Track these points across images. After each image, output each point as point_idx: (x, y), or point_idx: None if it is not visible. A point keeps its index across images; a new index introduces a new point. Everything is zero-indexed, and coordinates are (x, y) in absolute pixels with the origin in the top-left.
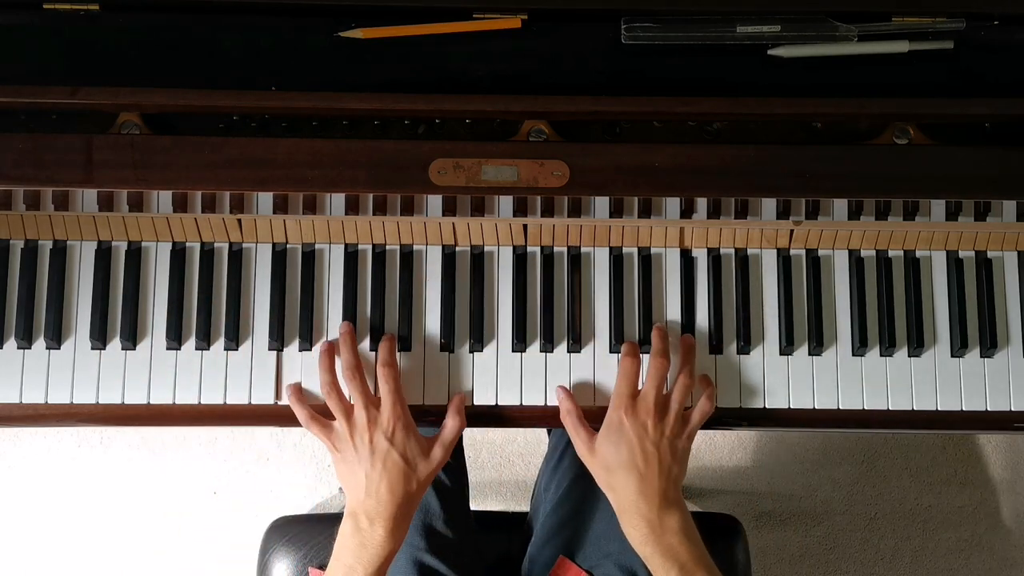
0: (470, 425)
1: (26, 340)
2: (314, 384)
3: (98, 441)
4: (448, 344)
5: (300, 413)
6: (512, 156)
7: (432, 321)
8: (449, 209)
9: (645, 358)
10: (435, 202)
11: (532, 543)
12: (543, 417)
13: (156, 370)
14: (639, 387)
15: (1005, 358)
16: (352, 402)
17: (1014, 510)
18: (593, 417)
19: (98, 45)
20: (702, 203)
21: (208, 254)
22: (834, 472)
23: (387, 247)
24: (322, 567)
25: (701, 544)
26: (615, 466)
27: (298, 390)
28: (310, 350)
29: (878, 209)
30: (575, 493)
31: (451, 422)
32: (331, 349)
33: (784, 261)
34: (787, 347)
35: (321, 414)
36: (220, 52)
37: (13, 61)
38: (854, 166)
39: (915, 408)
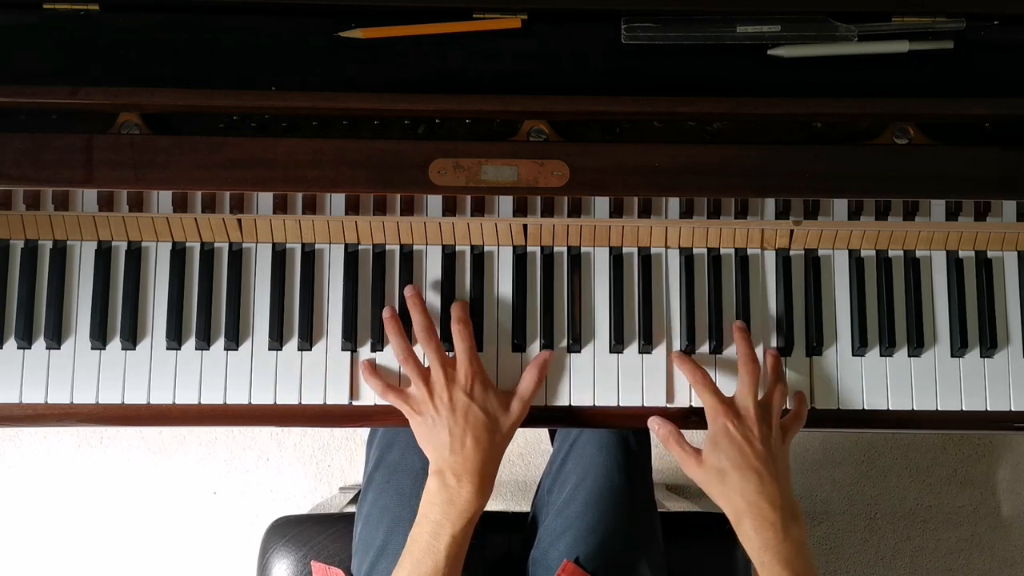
0: None
1: (26, 340)
2: (314, 383)
3: (98, 441)
4: (448, 344)
5: (376, 385)
6: (512, 156)
7: (432, 321)
8: (449, 209)
9: (650, 358)
10: (435, 202)
11: (536, 545)
12: (544, 418)
13: (156, 370)
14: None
15: (1005, 358)
16: (428, 366)
17: (1014, 510)
18: (593, 417)
19: (98, 45)
20: (702, 203)
21: (208, 254)
22: (834, 472)
23: (387, 247)
24: (326, 560)
25: (816, 568)
26: (729, 470)
27: (371, 364)
28: (310, 350)
29: (878, 209)
30: (580, 496)
31: (528, 376)
32: (395, 315)
33: (784, 261)
34: (787, 348)
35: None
36: (220, 52)
37: (13, 61)
38: (854, 166)
39: (915, 408)
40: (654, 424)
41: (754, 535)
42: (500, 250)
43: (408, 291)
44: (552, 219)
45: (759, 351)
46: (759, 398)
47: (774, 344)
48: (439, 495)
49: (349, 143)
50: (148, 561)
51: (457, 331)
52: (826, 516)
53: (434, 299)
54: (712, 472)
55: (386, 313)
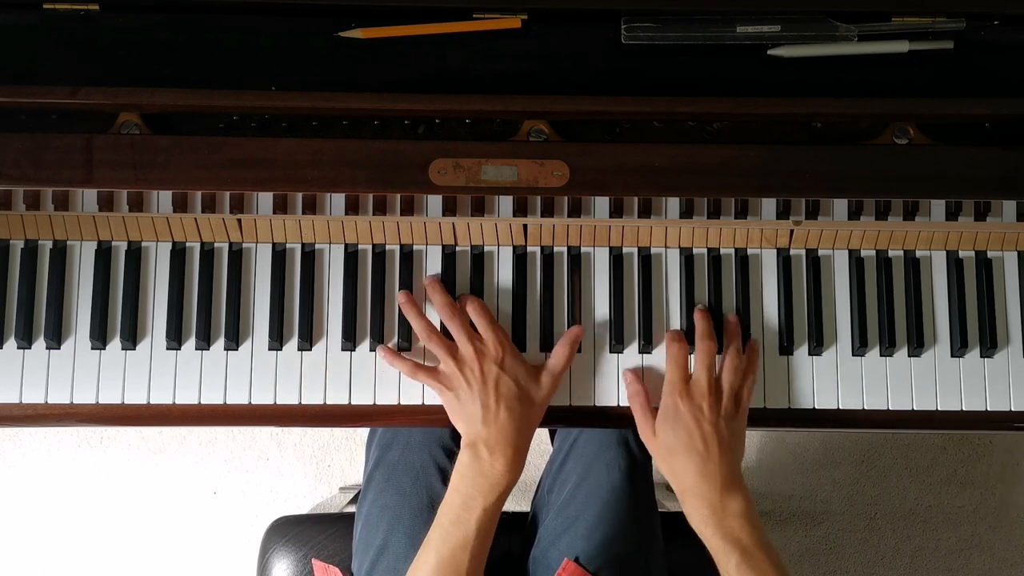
0: None
1: (26, 340)
2: (314, 383)
3: (98, 441)
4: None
5: (403, 367)
6: (512, 156)
7: (432, 321)
8: (449, 209)
9: (650, 358)
10: (435, 202)
11: (536, 545)
12: (544, 417)
13: (156, 370)
14: (689, 371)
15: (1005, 358)
16: (455, 340)
17: (1014, 510)
18: (593, 416)
19: (98, 45)
20: (702, 203)
21: (208, 254)
22: (834, 472)
23: (387, 247)
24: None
25: (763, 529)
26: (676, 449)
27: (391, 349)
28: (310, 350)
29: (878, 209)
30: (580, 495)
31: (560, 350)
32: (412, 298)
33: (784, 261)
34: (787, 347)
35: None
36: (220, 52)
37: (13, 61)
38: (854, 166)
39: (915, 408)
40: (627, 377)
41: (694, 513)
42: (500, 250)
43: (427, 280)
44: (552, 219)
45: (760, 350)
46: (714, 374)
47: (774, 344)
48: (471, 468)
49: (349, 143)
50: (148, 561)
51: (474, 310)
52: (826, 516)
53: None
54: (661, 447)
55: (401, 298)
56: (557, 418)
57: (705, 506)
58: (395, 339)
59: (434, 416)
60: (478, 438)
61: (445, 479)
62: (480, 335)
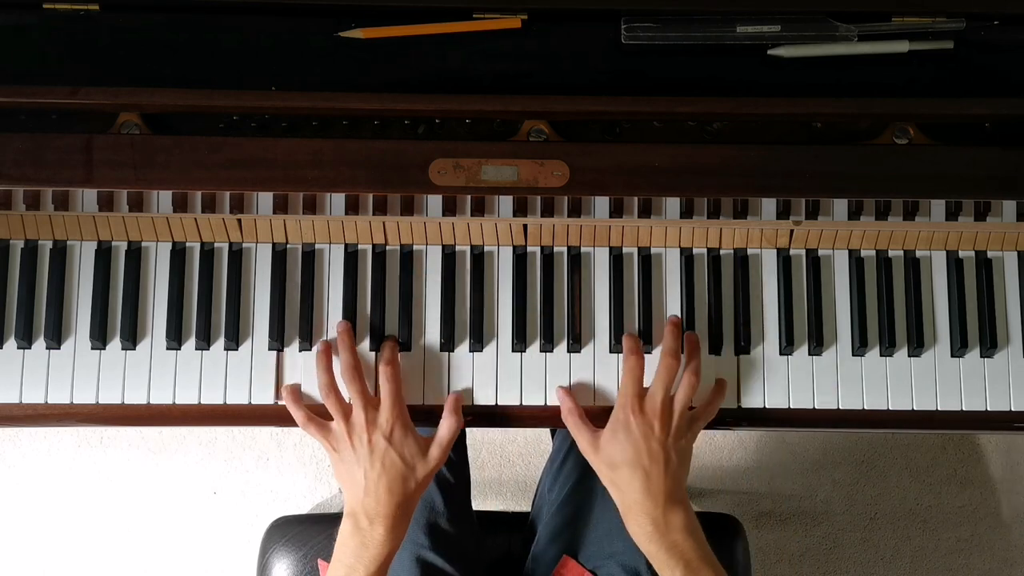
0: (470, 425)
1: (26, 340)
2: (314, 386)
3: (98, 441)
4: (448, 344)
5: (297, 414)
6: (512, 156)
7: (432, 321)
8: (449, 209)
9: (649, 357)
10: (435, 202)
11: (535, 543)
12: (543, 417)
13: (156, 370)
14: (644, 385)
15: (1005, 358)
16: (351, 403)
17: (1014, 510)
18: (593, 417)
19: (98, 45)
20: (702, 203)
21: (208, 254)
22: (834, 472)
23: (387, 247)
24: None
25: (705, 542)
26: (620, 463)
27: (295, 391)
28: (310, 350)
29: (878, 209)
30: (579, 494)
31: (447, 422)
32: (328, 349)
33: (784, 261)
34: (787, 347)
35: (319, 415)
36: (220, 52)
37: (13, 61)
38: (854, 166)
39: (915, 408)
40: (560, 393)
41: (638, 529)
42: (500, 250)
43: (339, 327)
44: (552, 219)
45: (760, 350)
46: (670, 392)
47: (774, 344)
48: (352, 539)
49: (349, 143)
50: (148, 561)
51: (384, 373)
52: (826, 516)
53: (434, 299)
54: (605, 461)
55: (320, 347)
56: (557, 418)
57: (649, 522)
58: (367, 340)
59: (435, 416)
60: (359, 507)
61: (440, 479)
62: (375, 402)
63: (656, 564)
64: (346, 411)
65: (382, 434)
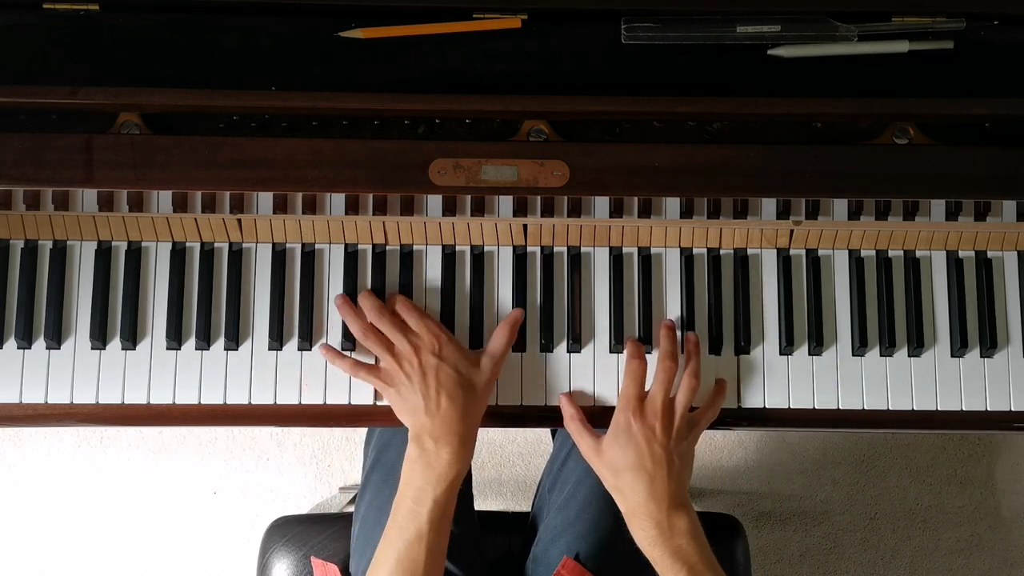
0: None
1: (26, 340)
2: (314, 383)
3: (98, 441)
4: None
5: (343, 364)
6: (512, 156)
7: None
8: (449, 209)
9: (650, 358)
10: (435, 202)
11: (536, 543)
12: (544, 417)
13: (156, 370)
14: (646, 389)
15: (1005, 358)
16: (390, 337)
17: (1014, 510)
18: (593, 417)
19: (98, 45)
20: (702, 203)
21: (208, 254)
22: (834, 472)
23: (387, 247)
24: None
25: (708, 546)
26: (623, 468)
27: (332, 348)
28: (310, 350)
29: (878, 209)
30: (580, 494)
31: (500, 332)
32: (348, 301)
33: (784, 261)
34: (787, 347)
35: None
36: (220, 52)
37: (13, 61)
38: (854, 166)
39: (915, 408)
40: (562, 400)
41: (642, 533)
42: (500, 250)
43: (338, 299)
44: (552, 219)
45: (760, 350)
46: (670, 394)
47: (774, 344)
48: (419, 461)
49: (349, 143)
50: (148, 561)
51: (403, 307)
52: (826, 516)
53: (434, 299)
54: (608, 466)
55: (337, 300)
56: (557, 418)
57: (653, 526)
58: (338, 340)
59: None
60: (423, 430)
61: None
62: (414, 330)
63: (659, 568)
64: (389, 345)
65: (430, 351)
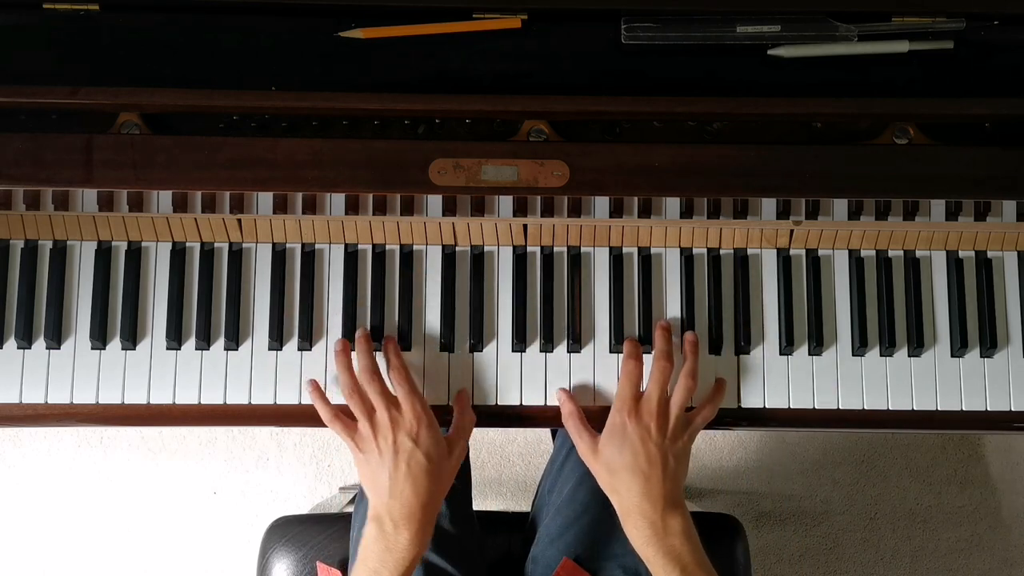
0: None
1: (26, 340)
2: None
3: (98, 441)
4: (448, 344)
5: (324, 411)
6: (512, 156)
7: (432, 321)
8: (449, 209)
9: (647, 358)
10: (435, 202)
11: (536, 544)
12: (543, 417)
13: (156, 370)
14: (642, 389)
15: (1005, 358)
16: (374, 404)
17: (1014, 510)
18: (593, 416)
19: (98, 45)
20: (702, 203)
21: (208, 254)
22: (834, 472)
23: (387, 247)
24: (326, 560)
25: (701, 547)
26: (619, 468)
27: (319, 387)
28: (310, 350)
29: (878, 209)
30: (580, 495)
31: (464, 418)
32: (347, 349)
33: (784, 261)
34: (787, 347)
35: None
36: (220, 52)
37: (13, 61)
38: (854, 166)
39: (915, 408)
40: (560, 397)
41: (636, 533)
42: (500, 250)
43: (359, 334)
44: (552, 219)
45: (760, 350)
46: (666, 394)
47: (774, 344)
48: (377, 543)
49: (349, 143)
50: (148, 561)
51: (395, 377)
52: (826, 516)
53: (434, 300)
54: (603, 465)
55: (337, 347)
56: (557, 419)
57: (647, 526)
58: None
59: (435, 416)
60: (384, 510)
61: None
62: (398, 402)
63: (653, 568)
64: (370, 411)
65: (407, 434)
